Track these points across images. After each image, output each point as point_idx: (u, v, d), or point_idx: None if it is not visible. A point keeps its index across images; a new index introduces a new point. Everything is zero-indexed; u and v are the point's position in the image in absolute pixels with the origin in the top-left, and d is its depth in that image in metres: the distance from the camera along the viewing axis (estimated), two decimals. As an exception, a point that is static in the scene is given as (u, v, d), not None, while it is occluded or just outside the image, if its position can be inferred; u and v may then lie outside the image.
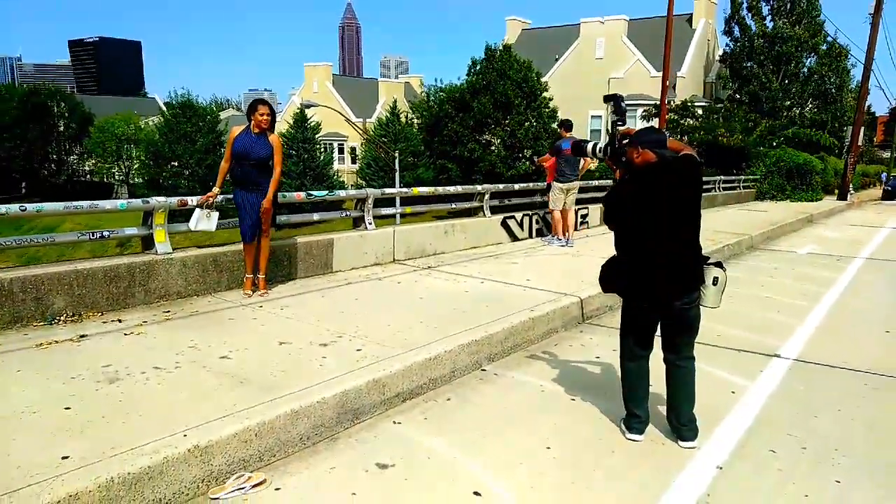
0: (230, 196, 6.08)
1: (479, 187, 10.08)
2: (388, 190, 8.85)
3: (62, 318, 4.95)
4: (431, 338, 4.86)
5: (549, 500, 3.13)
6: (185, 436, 3.17)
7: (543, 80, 32.32)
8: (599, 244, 10.16)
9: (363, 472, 3.37)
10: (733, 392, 4.61)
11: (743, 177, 23.09)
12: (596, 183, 13.19)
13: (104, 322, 5.02)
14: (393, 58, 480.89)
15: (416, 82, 53.26)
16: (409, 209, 9.31)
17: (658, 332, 3.80)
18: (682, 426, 3.74)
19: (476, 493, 3.18)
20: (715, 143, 26.13)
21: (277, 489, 3.20)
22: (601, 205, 12.59)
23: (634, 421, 3.81)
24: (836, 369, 5.10)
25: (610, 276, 3.80)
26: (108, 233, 5.58)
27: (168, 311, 5.39)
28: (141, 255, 5.69)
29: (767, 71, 32.62)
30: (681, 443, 3.71)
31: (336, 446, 3.66)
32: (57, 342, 4.48)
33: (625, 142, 3.62)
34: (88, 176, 56.94)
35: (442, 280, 7.15)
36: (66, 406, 3.46)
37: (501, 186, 10.43)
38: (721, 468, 3.51)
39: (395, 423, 3.98)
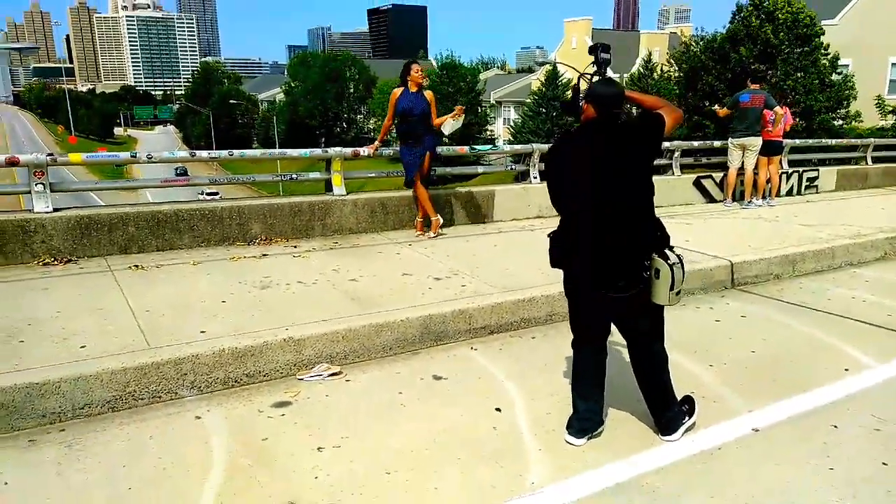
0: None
1: (667, 143, 9.70)
2: (557, 145, 9.05)
3: (257, 240, 6.37)
4: (539, 283, 5.23)
5: (553, 426, 3.44)
6: (286, 329, 4.13)
7: (829, 23, 28.19)
8: (811, 211, 9.17)
9: (418, 380, 4.03)
10: (846, 369, 4.24)
11: None
12: (833, 142, 11.64)
13: (284, 247, 6.33)
14: (673, 7, 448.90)
15: (682, 31, 49.67)
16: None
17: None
18: (653, 414, 3.32)
19: (497, 409, 3.64)
20: None
21: (348, 380, 4.01)
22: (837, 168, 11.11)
23: (574, 417, 3.32)
24: None
25: (553, 248, 3.26)
26: (296, 175, 6.92)
27: (336, 243, 6.55)
28: (320, 196, 6.92)
29: None
30: (660, 436, 3.30)
31: (413, 358, 4.35)
32: (245, 258, 5.86)
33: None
34: (371, 133, 64.61)
35: (595, 234, 7.29)
36: (223, 300, 4.68)
37: (696, 144, 9.90)
38: (757, 430, 3.42)
39: (472, 348, 4.54)
